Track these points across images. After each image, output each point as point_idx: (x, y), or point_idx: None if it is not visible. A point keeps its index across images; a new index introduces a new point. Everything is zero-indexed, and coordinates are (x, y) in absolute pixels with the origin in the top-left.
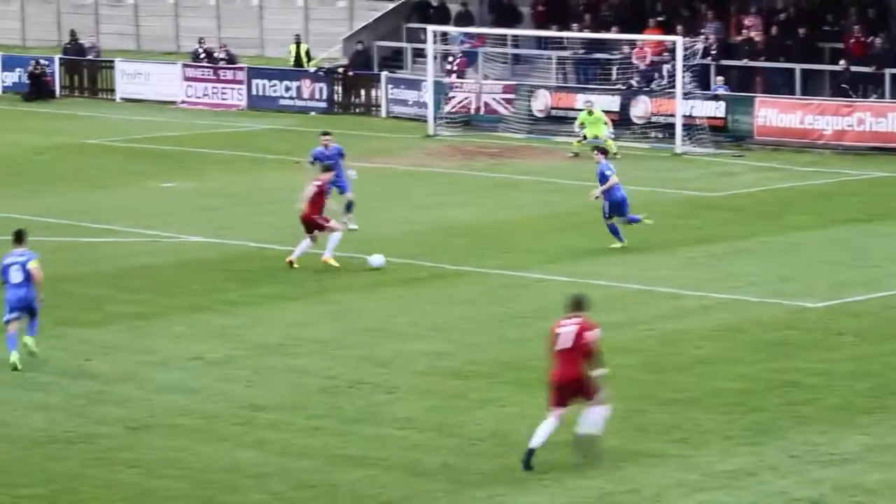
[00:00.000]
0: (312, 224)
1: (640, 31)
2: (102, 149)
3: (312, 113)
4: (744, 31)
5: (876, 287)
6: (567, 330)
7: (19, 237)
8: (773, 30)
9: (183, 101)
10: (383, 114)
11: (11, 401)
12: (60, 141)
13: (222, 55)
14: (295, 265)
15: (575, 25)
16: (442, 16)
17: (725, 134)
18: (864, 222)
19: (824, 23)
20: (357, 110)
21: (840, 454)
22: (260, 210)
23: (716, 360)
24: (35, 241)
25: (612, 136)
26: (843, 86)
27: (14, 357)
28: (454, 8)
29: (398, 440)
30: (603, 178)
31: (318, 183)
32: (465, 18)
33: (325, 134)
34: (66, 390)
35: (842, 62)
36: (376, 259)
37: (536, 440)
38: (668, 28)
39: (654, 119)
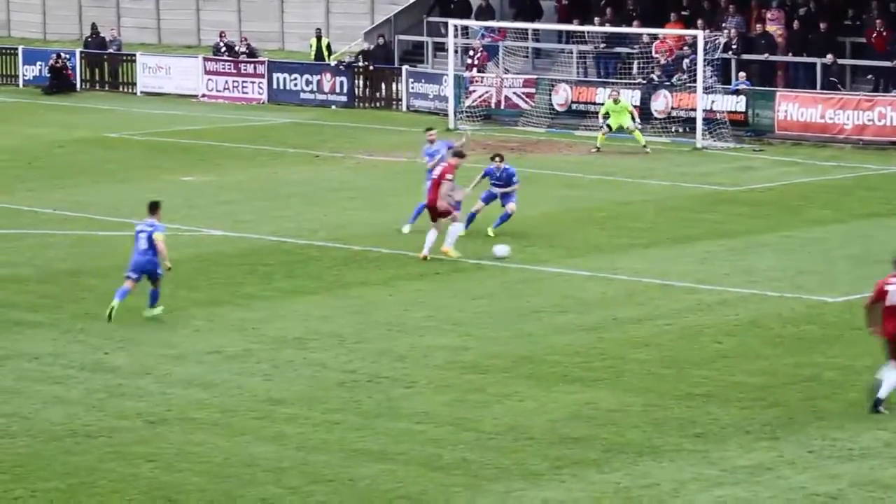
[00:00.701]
0: (437, 212)
1: (661, 26)
2: (123, 142)
3: (333, 107)
4: (765, 25)
5: None
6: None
7: (153, 208)
8: (795, 24)
9: (203, 95)
10: (404, 108)
11: (31, 395)
12: (81, 134)
13: (243, 49)
14: (427, 258)
15: (597, 19)
16: (463, 10)
17: (746, 128)
18: (884, 217)
19: (846, 17)
20: (378, 104)
21: (858, 449)
22: (279, 204)
23: (735, 355)
24: (55, 233)
25: (639, 126)
26: (832, 79)
27: (115, 303)
28: (475, 2)
29: (416, 434)
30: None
31: (443, 171)
32: (486, 12)
33: (429, 129)
34: (84, 384)
35: (829, 56)
36: (500, 249)
37: (884, 391)
38: (689, 22)
39: (674, 113)
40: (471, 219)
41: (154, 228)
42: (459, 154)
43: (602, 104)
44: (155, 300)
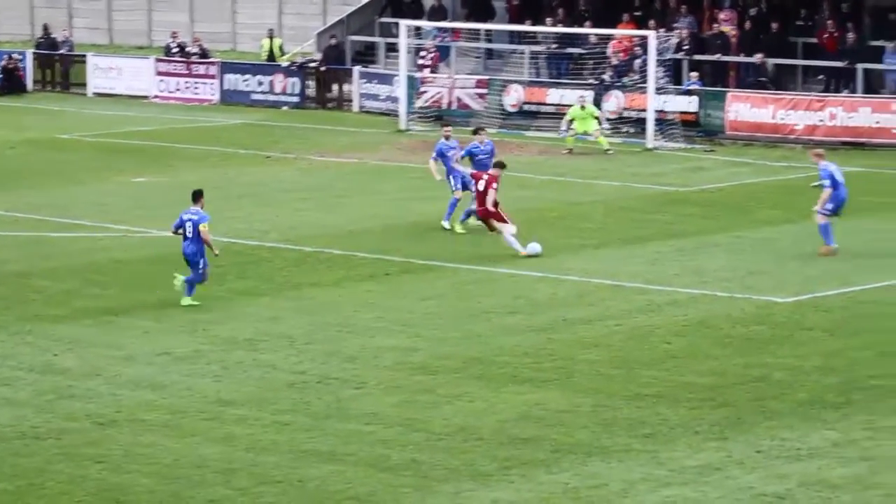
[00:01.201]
0: (490, 219)
1: (613, 26)
2: (74, 143)
3: (285, 108)
4: (717, 25)
5: (845, 282)
6: None
7: (196, 196)
8: (747, 25)
9: (155, 96)
10: (356, 108)
11: None
12: (32, 136)
13: (195, 49)
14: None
15: (548, 20)
16: (415, 11)
17: (697, 129)
18: (834, 217)
19: (798, 17)
20: (329, 105)
21: (807, 449)
22: (231, 205)
23: (684, 355)
24: (5, 235)
25: (604, 130)
26: (762, 79)
27: (178, 281)
28: (428, 2)
29: (365, 435)
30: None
31: (489, 181)
32: (438, 13)
33: (445, 125)
34: (33, 386)
35: (757, 56)
36: (533, 247)
37: None
38: (641, 23)
39: (626, 114)
40: (468, 213)
41: (199, 218)
42: (501, 165)
43: (558, 105)
44: (191, 291)
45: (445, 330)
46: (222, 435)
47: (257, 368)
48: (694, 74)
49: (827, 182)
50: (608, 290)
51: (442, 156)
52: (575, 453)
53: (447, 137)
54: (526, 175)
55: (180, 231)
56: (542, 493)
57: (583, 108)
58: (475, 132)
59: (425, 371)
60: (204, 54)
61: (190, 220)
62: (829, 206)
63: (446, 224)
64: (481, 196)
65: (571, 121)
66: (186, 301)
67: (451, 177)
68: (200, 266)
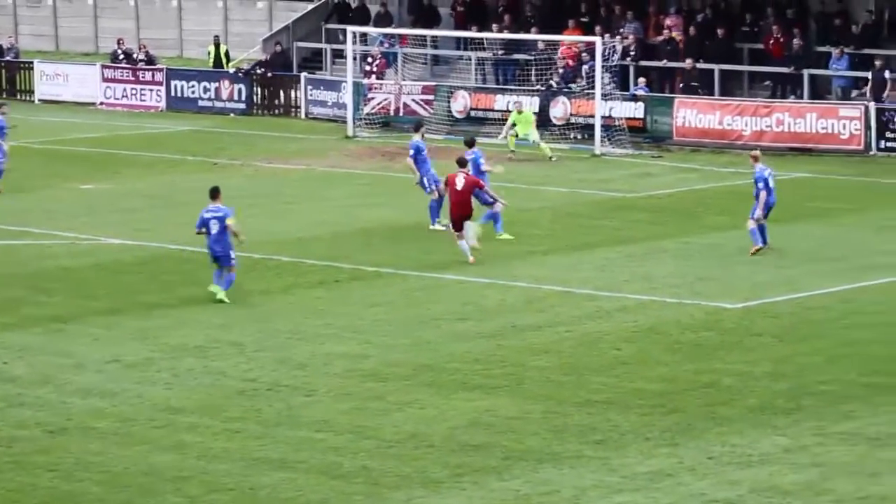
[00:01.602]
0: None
1: (560, 32)
2: (21, 150)
3: (232, 115)
4: (664, 31)
5: (794, 288)
6: None
7: (214, 193)
8: (692, 30)
9: (102, 103)
10: (303, 115)
11: None
12: None
13: (142, 56)
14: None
15: (494, 26)
16: (362, 17)
17: (644, 135)
18: (781, 223)
19: (743, 23)
20: (276, 112)
21: (757, 455)
22: (178, 212)
23: (634, 362)
24: None
25: (544, 139)
26: (694, 83)
27: (215, 289)
28: (373, 9)
29: (316, 443)
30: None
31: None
32: (384, 19)
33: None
34: None
35: (687, 61)
36: (470, 232)
37: None
38: (587, 29)
39: (573, 120)
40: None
41: (224, 213)
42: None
43: (505, 111)
44: (227, 285)
45: (395, 337)
46: (173, 443)
47: (208, 376)
48: (641, 80)
49: (761, 185)
50: (557, 296)
51: (418, 153)
52: (526, 460)
53: (423, 136)
54: None
55: (203, 230)
56: (493, 500)
57: (519, 112)
58: (468, 144)
59: (376, 378)
60: (150, 60)
61: (214, 217)
62: (759, 212)
63: (437, 227)
64: (461, 196)
65: (514, 125)
66: (221, 294)
67: (424, 179)
68: (231, 259)
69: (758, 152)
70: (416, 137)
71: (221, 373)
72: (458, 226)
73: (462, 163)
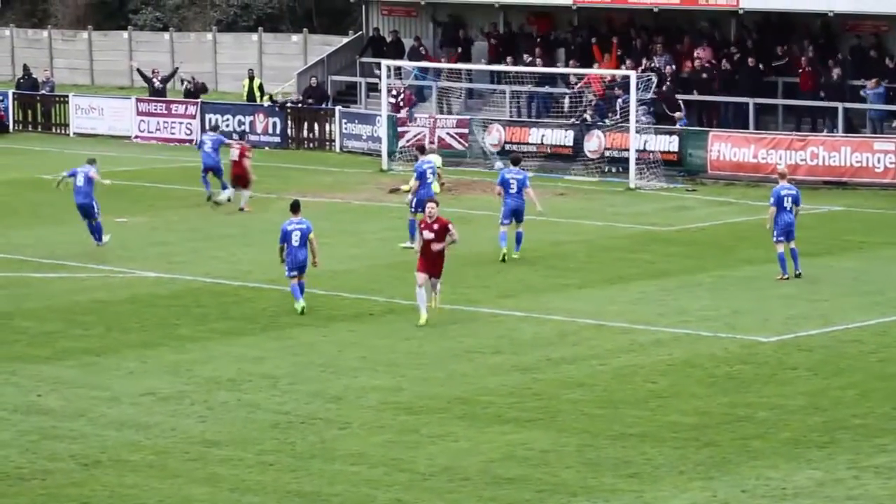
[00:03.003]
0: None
1: (590, 65)
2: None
3: (266, 148)
4: (695, 62)
5: (828, 321)
6: None
7: (295, 207)
8: (724, 63)
9: (136, 136)
10: (337, 148)
11: None
12: (14, 176)
13: (188, 79)
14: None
15: (527, 58)
16: (396, 50)
17: (679, 168)
18: (816, 256)
19: (774, 56)
20: (311, 145)
21: (791, 489)
22: (213, 245)
23: (668, 395)
24: None
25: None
26: (674, 101)
27: (299, 305)
28: (408, 43)
29: (350, 476)
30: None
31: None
32: (418, 53)
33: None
34: (17, 426)
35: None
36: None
37: None
38: (621, 62)
39: (607, 153)
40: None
41: (307, 226)
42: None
43: (540, 144)
44: (301, 292)
45: (429, 370)
46: (207, 475)
47: (241, 409)
48: (678, 115)
49: (772, 200)
50: (592, 329)
51: (422, 177)
52: (560, 493)
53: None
54: None
55: (283, 245)
56: None
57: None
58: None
59: (410, 411)
60: (199, 89)
61: (297, 229)
62: (776, 231)
63: (410, 245)
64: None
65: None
66: (302, 303)
67: (415, 200)
68: (305, 269)
69: (785, 170)
70: (424, 158)
71: (255, 405)
72: (423, 270)
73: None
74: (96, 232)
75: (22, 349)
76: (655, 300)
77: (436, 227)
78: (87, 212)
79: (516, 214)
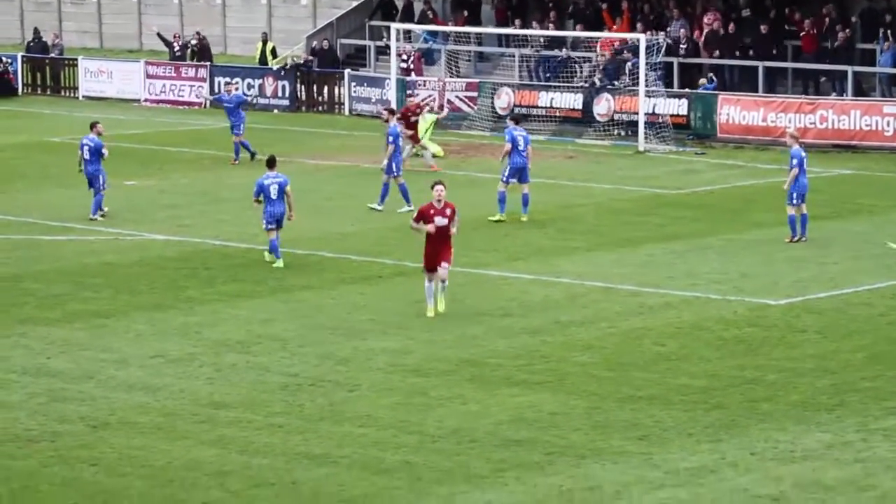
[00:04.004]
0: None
1: (602, 29)
2: (65, 147)
3: (276, 111)
4: (705, 27)
5: (837, 284)
6: None
7: (271, 163)
8: (731, 27)
9: (146, 99)
10: (346, 111)
11: None
12: (22, 139)
13: (194, 42)
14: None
15: (535, 23)
16: (406, 13)
17: (688, 132)
18: (825, 219)
19: (785, 20)
20: (320, 108)
21: (800, 451)
22: (221, 208)
23: (677, 358)
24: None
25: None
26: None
27: (272, 258)
28: (417, 6)
29: (359, 438)
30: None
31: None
32: (427, 16)
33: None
34: (26, 388)
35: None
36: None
37: None
38: (631, 25)
39: (616, 117)
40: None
41: (284, 180)
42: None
43: (549, 107)
44: (278, 250)
45: (438, 332)
46: (216, 437)
47: (250, 371)
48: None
49: (795, 162)
50: (601, 292)
51: (396, 139)
52: (569, 455)
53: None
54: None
55: (260, 198)
56: (536, 496)
57: (431, 111)
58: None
59: (419, 373)
60: (204, 49)
61: (275, 182)
62: (795, 193)
63: (377, 207)
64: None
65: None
66: (280, 263)
67: (393, 164)
68: (282, 225)
69: (797, 132)
70: (393, 123)
71: (264, 368)
72: (430, 265)
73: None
74: (94, 204)
75: (31, 312)
76: (664, 263)
77: (448, 211)
78: (91, 182)
79: (521, 174)
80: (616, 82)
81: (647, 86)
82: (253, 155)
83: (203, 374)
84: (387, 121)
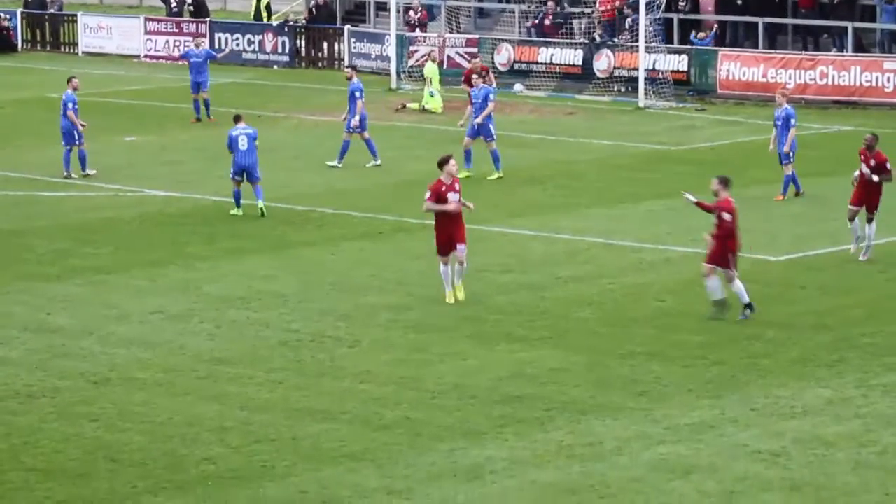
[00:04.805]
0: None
1: None
2: None
3: (275, 67)
4: None
5: (837, 241)
6: None
7: (238, 118)
8: None
9: (145, 55)
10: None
11: None
12: (22, 95)
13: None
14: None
15: None
16: None
17: (688, 88)
18: (825, 176)
19: None
20: (320, 64)
21: (800, 407)
22: (222, 164)
23: (677, 314)
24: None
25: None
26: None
27: (238, 211)
28: None
29: (359, 394)
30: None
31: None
32: None
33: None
34: (26, 344)
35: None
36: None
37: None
38: None
39: (616, 73)
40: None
41: (254, 132)
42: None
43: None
44: (260, 195)
45: (439, 288)
46: (216, 393)
47: (251, 327)
48: (702, 35)
49: (793, 121)
50: (601, 248)
51: (362, 94)
52: (569, 411)
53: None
54: (517, 134)
55: (231, 150)
56: (536, 451)
57: (433, 61)
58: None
59: (419, 329)
60: (200, 6)
61: (244, 133)
62: (793, 152)
63: (335, 164)
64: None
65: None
66: (261, 203)
67: (354, 119)
68: (256, 172)
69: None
70: (356, 80)
71: (264, 324)
72: (446, 248)
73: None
74: (80, 161)
75: (31, 268)
76: (664, 219)
77: (457, 185)
78: (67, 137)
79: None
80: (616, 38)
81: (646, 42)
82: (199, 120)
83: (203, 331)
84: (349, 78)
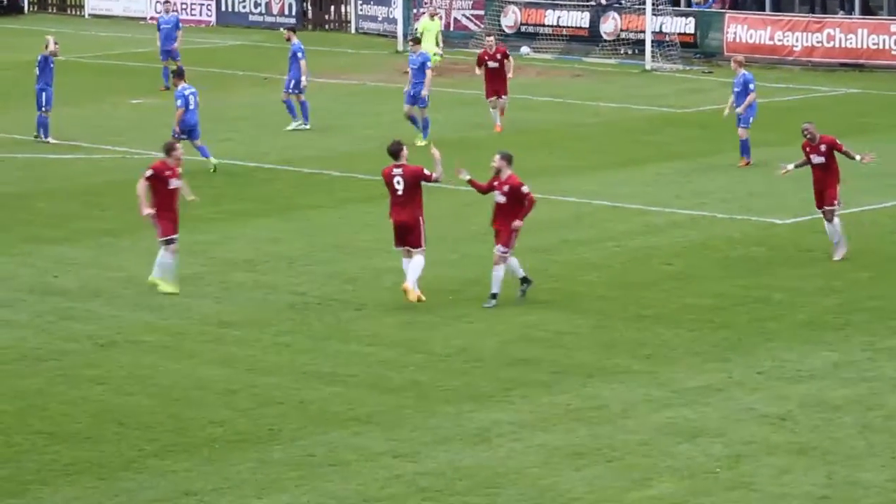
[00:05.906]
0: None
1: None
2: (71, 65)
3: (282, 29)
4: None
5: (844, 203)
6: None
7: (181, 74)
8: None
9: (152, 17)
10: (353, 30)
11: None
12: (29, 57)
13: None
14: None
15: None
16: None
17: (695, 50)
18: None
19: None
20: (327, 26)
21: (807, 370)
22: (228, 126)
23: (684, 277)
24: (3, 157)
25: (440, 53)
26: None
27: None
28: None
29: (366, 356)
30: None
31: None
32: None
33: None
34: (33, 307)
35: None
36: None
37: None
38: None
39: (623, 35)
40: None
41: (195, 90)
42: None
43: (555, 26)
44: (207, 153)
45: (444, 252)
46: (223, 356)
47: (257, 290)
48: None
49: (752, 86)
50: (608, 211)
51: (293, 57)
52: (575, 374)
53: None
54: (524, 97)
55: (184, 108)
56: (542, 414)
57: (431, 17)
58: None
59: (425, 292)
60: None
61: (193, 93)
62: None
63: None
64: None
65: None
66: (213, 161)
67: (293, 81)
68: (199, 130)
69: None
70: (296, 41)
71: (271, 287)
72: (401, 240)
73: (396, 153)
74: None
75: (38, 230)
76: (671, 182)
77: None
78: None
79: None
80: (623, 1)
81: (653, 4)
82: (167, 88)
83: (210, 293)
84: (288, 39)
